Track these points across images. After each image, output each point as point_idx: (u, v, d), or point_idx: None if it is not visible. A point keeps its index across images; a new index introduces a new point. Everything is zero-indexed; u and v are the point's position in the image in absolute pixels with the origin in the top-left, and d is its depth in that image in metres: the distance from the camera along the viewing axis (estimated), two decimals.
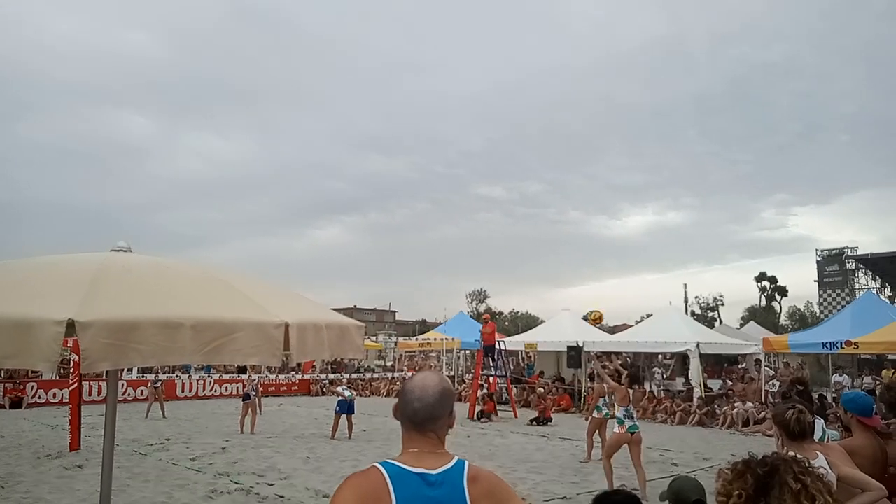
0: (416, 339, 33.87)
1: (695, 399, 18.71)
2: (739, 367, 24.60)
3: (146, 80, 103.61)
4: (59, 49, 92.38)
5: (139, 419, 16.89)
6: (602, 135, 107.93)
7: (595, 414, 11.74)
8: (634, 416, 9.38)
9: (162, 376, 19.25)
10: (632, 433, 9.12)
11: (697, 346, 19.21)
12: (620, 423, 9.26)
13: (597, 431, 11.79)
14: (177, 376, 24.62)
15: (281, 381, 27.25)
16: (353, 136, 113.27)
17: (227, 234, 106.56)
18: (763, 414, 16.84)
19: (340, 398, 14.58)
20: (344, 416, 14.42)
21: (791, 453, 2.66)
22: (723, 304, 66.02)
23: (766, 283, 64.50)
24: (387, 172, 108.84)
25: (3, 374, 21.33)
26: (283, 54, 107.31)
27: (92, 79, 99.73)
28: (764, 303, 64.99)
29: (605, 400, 11.68)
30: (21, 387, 20.55)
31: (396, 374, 30.29)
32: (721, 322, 51.42)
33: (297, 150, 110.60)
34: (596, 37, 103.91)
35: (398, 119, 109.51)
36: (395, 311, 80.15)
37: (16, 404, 19.95)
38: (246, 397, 15.44)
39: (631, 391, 9.60)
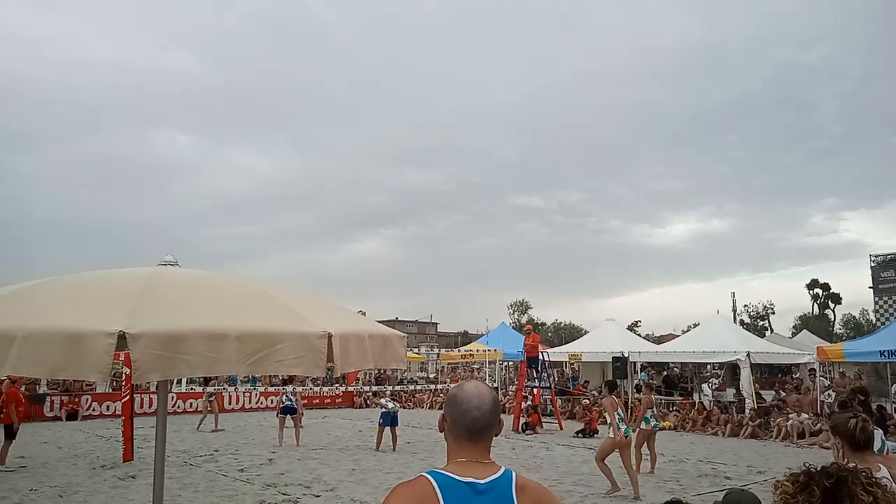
0: (459, 351, 33.79)
1: (747, 410, 18.18)
2: (793, 377, 23.83)
3: (188, 99, 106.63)
4: (104, 71, 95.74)
5: (189, 431, 17.21)
6: (640, 142, 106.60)
7: (643, 426, 11.53)
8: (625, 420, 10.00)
9: (213, 388, 19.44)
10: (626, 436, 9.68)
11: (748, 355, 18.68)
12: (616, 427, 9.67)
13: (644, 443, 11.57)
14: (224, 389, 25.05)
15: (325, 394, 27.47)
16: (389, 149, 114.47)
17: (266, 249, 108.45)
18: (819, 425, 16.26)
19: (384, 410, 14.60)
20: (388, 428, 14.42)
21: (852, 464, 2.54)
22: (773, 313, 64.35)
23: (819, 291, 62.54)
24: (424, 185, 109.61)
25: (59, 388, 22.05)
26: (320, 70, 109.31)
27: (134, 99, 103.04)
28: (817, 310, 63.01)
29: (653, 411, 11.68)
30: (76, 399, 21.21)
31: (439, 386, 30.25)
32: (772, 331, 50.09)
33: (335, 164, 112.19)
34: (631, 43, 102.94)
35: (434, 131, 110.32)
36: (436, 323, 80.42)
37: (72, 416, 20.61)
38: (290, 410, 15.37)
39: (615, 398, 10.17)
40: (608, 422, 9.86)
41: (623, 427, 9.68)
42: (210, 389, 19.23)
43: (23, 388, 13.22)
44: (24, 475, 10.89)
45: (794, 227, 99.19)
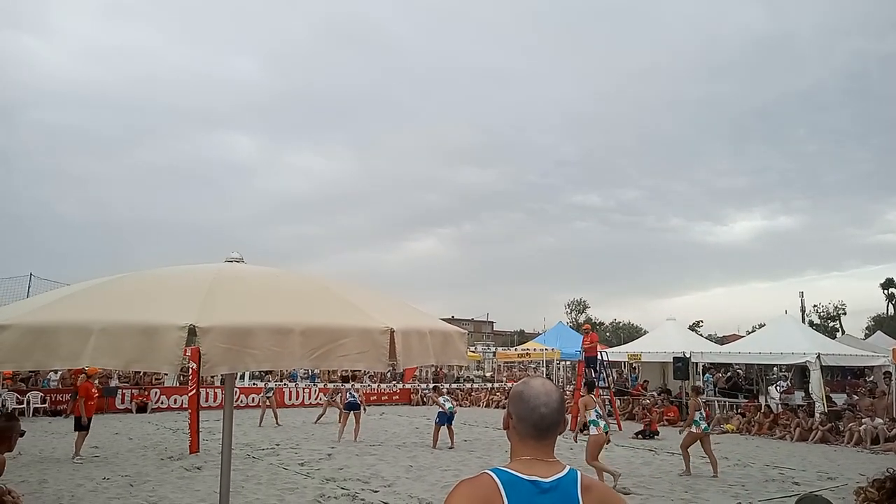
0: (515, 350, 33.63)
1: (817, 414, 17.47)
2: (866, 380, 22.79)
3: (251, 102, 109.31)
4: (170, 78, 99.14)
5: (251, 425, 17.65)
6: (703, 138, 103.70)
7: (693, 428, 11.52)
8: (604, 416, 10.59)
9: (272, 384, 19.86)
10: (606, 432, 10.25)
11: (818, 357, 17.94)
12: (596, 424, 10.24)
13: (693, 445, 11.57)
14: (284, 385, 25.64)
15: (382, 390, 27.79)
16: (446, 148, 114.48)
17: (325, 248, 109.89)
18: (895, 431, 15.51)
19: (440, 410, 14.64)
20: (444, 427, 14.46)
21: None
22: (845, 314, 61.78)
23: (894, 290, 59.74)
24: (480, 184, 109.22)
25: (130, 381, 23.00)
26: (378, 72, 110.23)
27: (201, 104, 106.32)
28: (892, 311, 60.16)
29: (701, 414, 11.73)
30: (146, 393, 22.10)
31: (496, 385, 30.19)
32: (843, 332, 47.98)
33: (392, 164, 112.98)
34: (694, 37, 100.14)
35: (491, 130, 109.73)
36: (492, 322, 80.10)
37: (141, 409, 21.48)
38: (354, 406, 15.44)
39: (592, 396, 10.94)
40: (587, 419, 10.48)
41: (602, 424, 10.24)
42: (271, 385, 19.57)
43: (96, 382, 13.74)
44: (98, 464, 11.39)
45: (867, 224, 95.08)
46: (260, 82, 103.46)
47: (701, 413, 11.71)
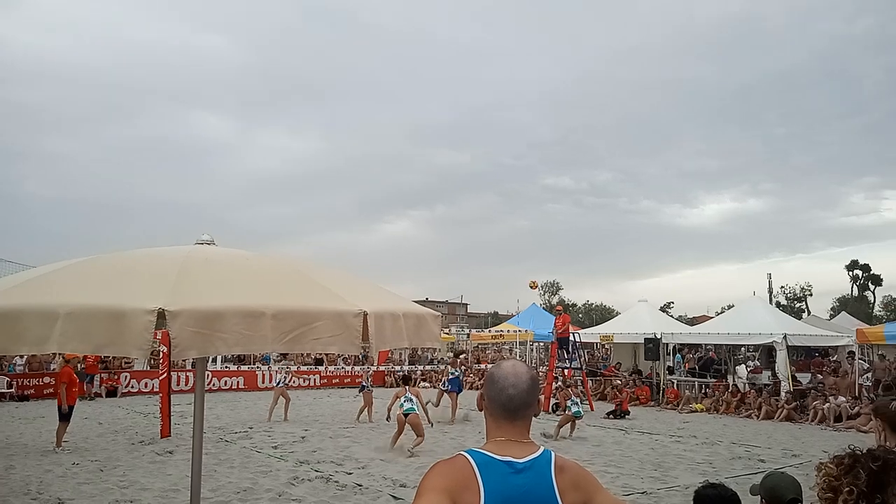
0: (489, 332, 33.80)
1: (782, 393, 17.91)
2: (831, 359, 23.38)
3: (223, 80, 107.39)
4: (140, 54, 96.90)
5: (224, 408, 17.51)
6: (675, 120, 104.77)
7: (567, 411, 13.70)
8: (413, 401, 11.63)
9: (293, 367, 19.00)
10: (406, 414, 11.34)
11: (784, 337, 18.35)
12: (401, 406, 11.57)
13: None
14: (257, 368, 25.43)
15: (356, 373, 27.74)
16: (421, 128, 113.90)
17: (299, 229, 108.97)
18: (857, 409, 15.95)
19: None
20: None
21: None
22: (811, 295, 63.25)
23: (859, 272, 61.32)
24: (455, 165, 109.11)
25: (99, 365, 22.62)
26: (353, 49, 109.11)
27: (172, 82, 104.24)
28: (856, 292, 61.75)
29: (573, 399, 13.83)
30: (116, 377, 21.74)
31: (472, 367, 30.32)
32: (809, 313, 49.13)
33: (367, 144, 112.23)
34: (668, 18, 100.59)
35: (466, 111, 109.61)
36: (466, 304, 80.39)
37: (111, 393, 21.13)
38: (363, 388, 16.30)
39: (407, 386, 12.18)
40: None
41: (406, 406, 11.38)
42: (294, 368, 18.70)
43: (79, 367, 12.90)
44: (67, 450, 11.22)
45: (832, 207, 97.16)
46: (232, 60, 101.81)
47: (573, 399, 13.85)
